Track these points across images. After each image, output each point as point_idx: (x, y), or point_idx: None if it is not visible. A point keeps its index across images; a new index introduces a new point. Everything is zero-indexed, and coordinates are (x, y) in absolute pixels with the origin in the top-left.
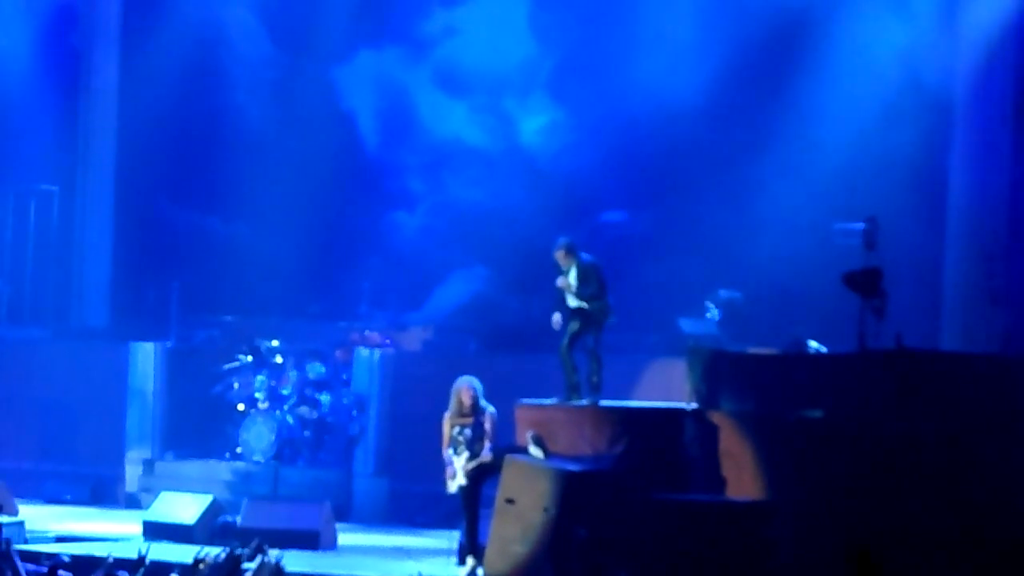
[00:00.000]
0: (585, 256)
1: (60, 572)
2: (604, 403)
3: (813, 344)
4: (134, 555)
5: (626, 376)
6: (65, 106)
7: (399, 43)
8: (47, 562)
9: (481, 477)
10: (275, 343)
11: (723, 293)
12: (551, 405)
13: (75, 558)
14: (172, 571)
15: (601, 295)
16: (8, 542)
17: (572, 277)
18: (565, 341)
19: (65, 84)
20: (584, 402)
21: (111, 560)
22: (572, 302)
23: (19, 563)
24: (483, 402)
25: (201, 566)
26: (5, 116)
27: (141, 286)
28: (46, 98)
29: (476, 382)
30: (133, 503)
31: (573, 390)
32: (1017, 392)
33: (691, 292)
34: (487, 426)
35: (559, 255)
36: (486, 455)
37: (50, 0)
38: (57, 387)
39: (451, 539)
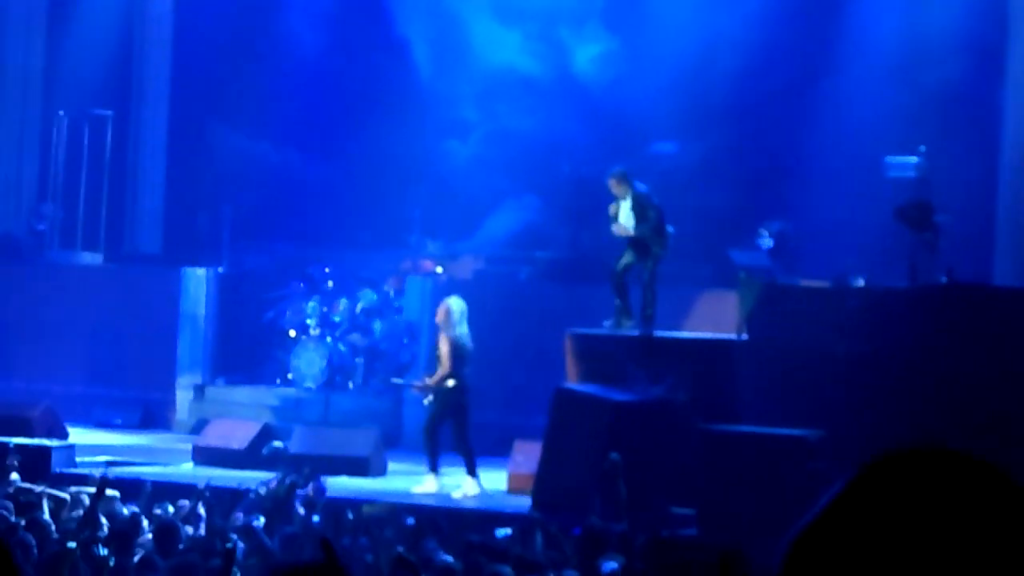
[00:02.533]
0: (639, 185)
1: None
2: (656, 333)
3: (858, 279)
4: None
5: (677, 307)
6: (119, 30)
7: None
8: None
9: (438, 401)
10: (327, 270)
11: (775, 224)
12: (601, 335)
13: (122, 479)
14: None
15: (658, 227)
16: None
17: (625, 207)
18: (618, 269)
19: (119, 7)
20: (635, 332)
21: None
22: (624, 231)
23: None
24: (454, 323)
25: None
26: (59, 40)
27: (193, 212)
28: (100, 22)
29: (452, 301)
30: (184, 428)
31: (622, 316)
32: None
33: (742, 223)
34: (442, 348)
35: (612, 183)
36: (431, 379)
37: None
38: (109, 312)
39: (501, 466)
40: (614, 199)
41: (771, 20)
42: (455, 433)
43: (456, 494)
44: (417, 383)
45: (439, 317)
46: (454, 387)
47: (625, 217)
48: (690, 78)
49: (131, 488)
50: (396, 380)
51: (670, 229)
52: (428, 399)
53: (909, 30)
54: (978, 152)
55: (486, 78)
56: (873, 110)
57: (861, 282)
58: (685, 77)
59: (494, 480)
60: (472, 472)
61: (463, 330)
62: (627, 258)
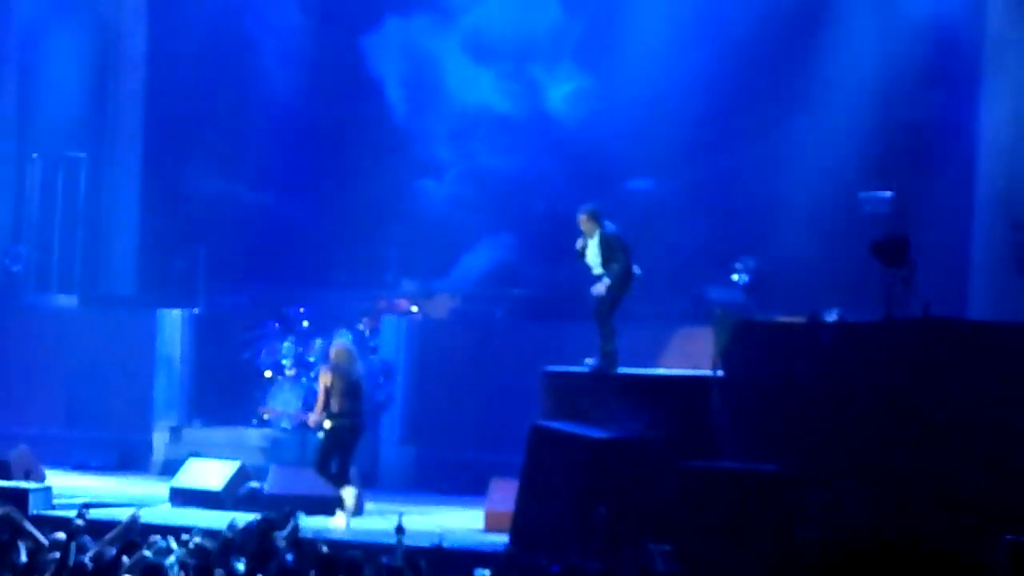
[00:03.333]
0: (609, 225)
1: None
2: (631, 371)
3: (833, 314)
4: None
5: (652, 343)
6: (92, 72)
7: (426, 10)
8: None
9: (333, 436)
10: (302, 310)
11: (750, 260)
12: (576, 372)
13: (97, 522)
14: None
15: (625, 269)
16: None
17: (593, 245)
18: (600, 307)
19: (94, 50)
20: (610, 370)
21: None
22: (596, 270)
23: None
24: (354, 361)
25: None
26: (33, 82)
27: (169, 253)
28: (73, 64)
29: (347, 340)
30: (160, 469)
31: (606, 357)
32: None
33: (717, 259)
34: (334, 385)
35: (582, 219)
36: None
37: None
38: (85, 354)
39: (478, 504)
40: (582, 235)
41: (744, 56)
42: (341, 465)
43: (331, 522)
44: (306, 416)
45: (341, 357)
46: (352, 424)
47: (592, 255)
48: (664, 115)
49: (109, 530)
50: (265, 412)
51: (636, 271)
52: (320, 433)
53: (883, 65)
54: (953, 187)
55: (460, 117)
56: (847, 145)
57: (836, 317)
58: (659, 114)
59: (471, 518)
60: (343, 506)
61: (359, 368)
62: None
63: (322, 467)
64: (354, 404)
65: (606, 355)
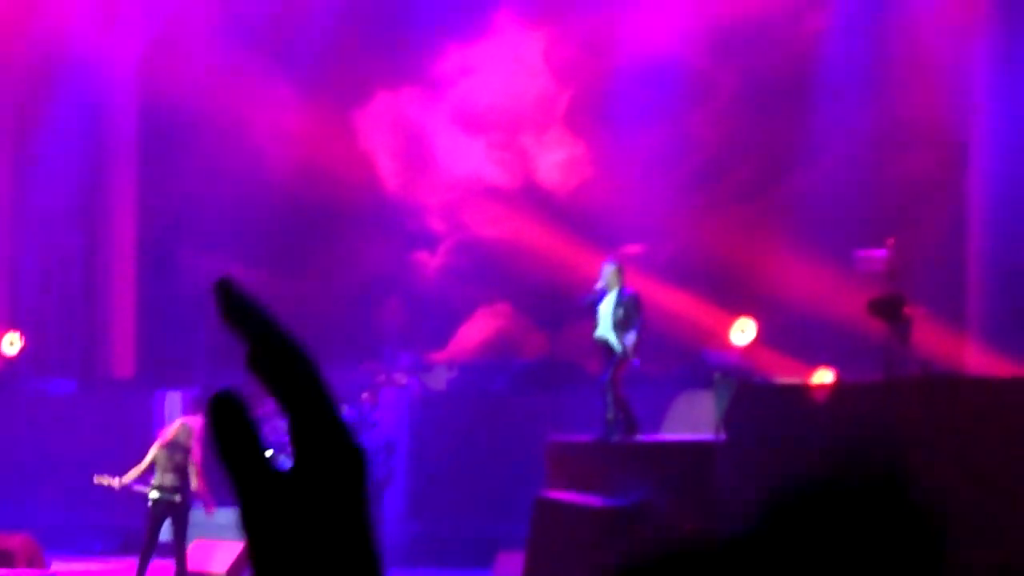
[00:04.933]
0: (628, 288)
1: None
2: (633, 438)
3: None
4: None
5: (654, 408)
6: (87, 157)
7: (415, 83)
8: None
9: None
10: None
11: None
12: (579, 441)
13: None
14: None
15: (638, 336)
16: None
17: (609, 300)
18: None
19: (86, 134)
20: (614, 438)
21: None
22: (603, 332)
23: None
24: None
25: None
26: (26, 168)
27: (166, 335)
28: (68, 149)
29: (193, 420)
30: (165, 552)
31: (609, 425)
32: None
33: (715, 322)
34: (181, 460)
35: (610, 270)
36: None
37: (70, 56)
38: (85, 438)
39: None
40: (603, 282)
41: (735, 117)
42: (178, 539)
43: None
44: (143, 487)
45: (187, 436)
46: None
47: (605, 309)
48: (655, 179)
49: None
50: (101, 479)
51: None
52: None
53: (874, 123)
54: (947, 242)
55: (452, 188)
56: (841, 203)
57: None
58: (650, 178)
59: None
60: None
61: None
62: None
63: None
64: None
65: (608, 423)
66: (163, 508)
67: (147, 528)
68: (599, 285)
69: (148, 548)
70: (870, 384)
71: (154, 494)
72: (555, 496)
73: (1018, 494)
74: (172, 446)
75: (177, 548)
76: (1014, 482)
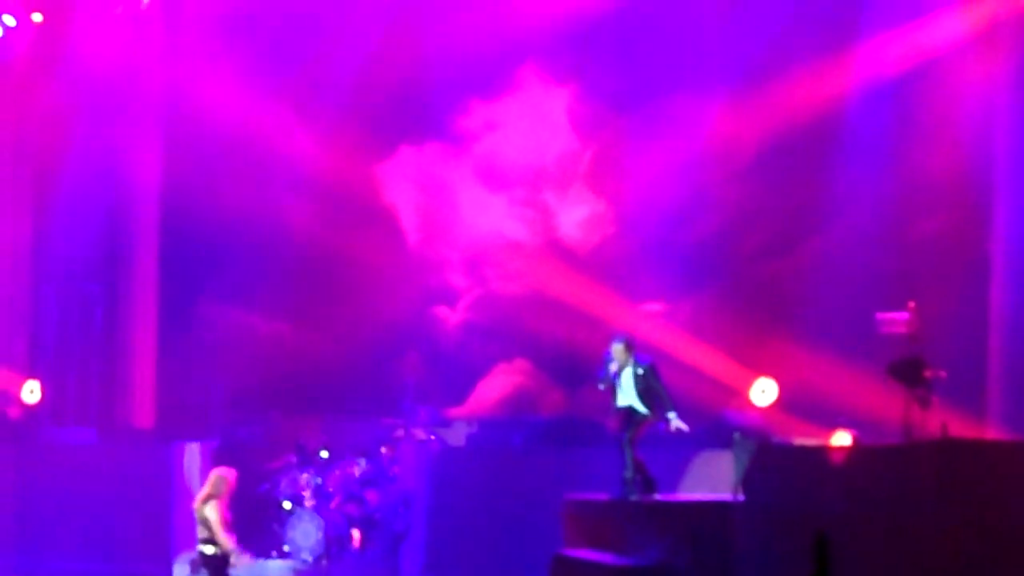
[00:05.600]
0: (643, 358)
1: None
2: (651, 497)
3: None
4: None
5: (673, 468)
6: (107, 204)
7: (438, 138)
8: None
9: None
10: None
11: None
12: (597, 500)
13: None
14: None
15: (661, 402)
16: None
17: (627, 375)
18: (626, 437)
19: (107, 182)
20: (632, 497)
21: None
22: (627, 401)
23: None
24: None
25: None
26: (46, 215)
27: (185, 385)
28: (88, 199)
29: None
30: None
31: (626, 485)
32: None
33: (734, 383)
34: (213, 516)
35: (617, 349)
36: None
37: (92, 104)
38: (103, 488)
39: None
40: (613, 361)
41: (755, 177)
42: None
43: None
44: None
45: (221, 486)
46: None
47: (626, 385)
48: (676, 237)
49: None
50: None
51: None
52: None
53: (896, 183)
54: (968, 306)
55: (473, 244)
56: (861, 265)
57: (850, 438)
58: (671, 236)
59: None
60: None
61: None
62: (629, 423)
63: None
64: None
65: (626, 482)
66: (208, 560)
67: None
68: (612, 367)
69: None
70: (889, 447)
71: (208, 549)
72: (573, 554)
73: None
74: (209, 498)
75: None
76: None
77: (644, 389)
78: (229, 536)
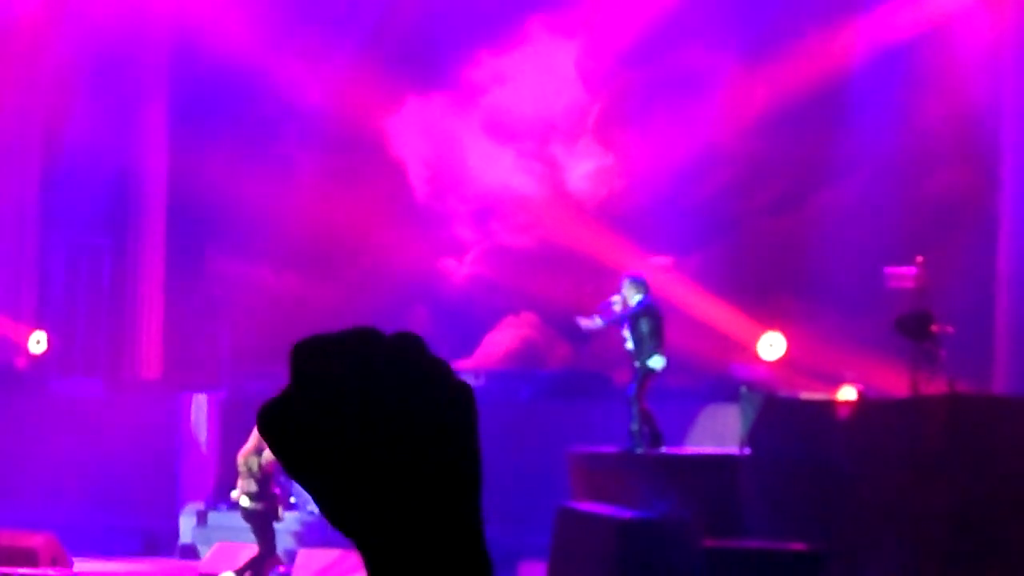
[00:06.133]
0: (650, 301)
1: None
2: (658, 451)
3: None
4: None
5: (679, 421)
6: (116, 158)
7: (447, 90)
8: None
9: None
10: None
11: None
12: (602, 452)
13: None
14: None
15: (659, 346)
16: None
17: (634, 315)
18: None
19: (115, 135)
20: (638, 450)
21: None
22: (629, 342)
23: None
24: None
25: None
26: (54, 169)
27: (193, 337)
28: (97, 151)
29: None
30: (187, 554)
31: (633, 437)
32: None
33: (742, 337)
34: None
35: (626, 285)
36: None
37: (100, 53)
38: (110, 439)
39: None
40: (622, 300)
41: (765, 133)
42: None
43: None
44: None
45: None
46: None
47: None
48: (684, 191)
49: None
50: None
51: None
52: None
53: (905, 140)
54: (976, 260)
55: (481, 197)
56: (871, 220)
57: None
58: (679, 190)
59: None
60: None
61: None
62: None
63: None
64: None
65: (633, 435)
66: (250, 514)
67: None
68: (618, 305)
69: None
70: (895, 401)
71: (244, 502)
72: (578, 506)
73: None
74: (256, 452)
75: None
76: None
77: (644, 329)
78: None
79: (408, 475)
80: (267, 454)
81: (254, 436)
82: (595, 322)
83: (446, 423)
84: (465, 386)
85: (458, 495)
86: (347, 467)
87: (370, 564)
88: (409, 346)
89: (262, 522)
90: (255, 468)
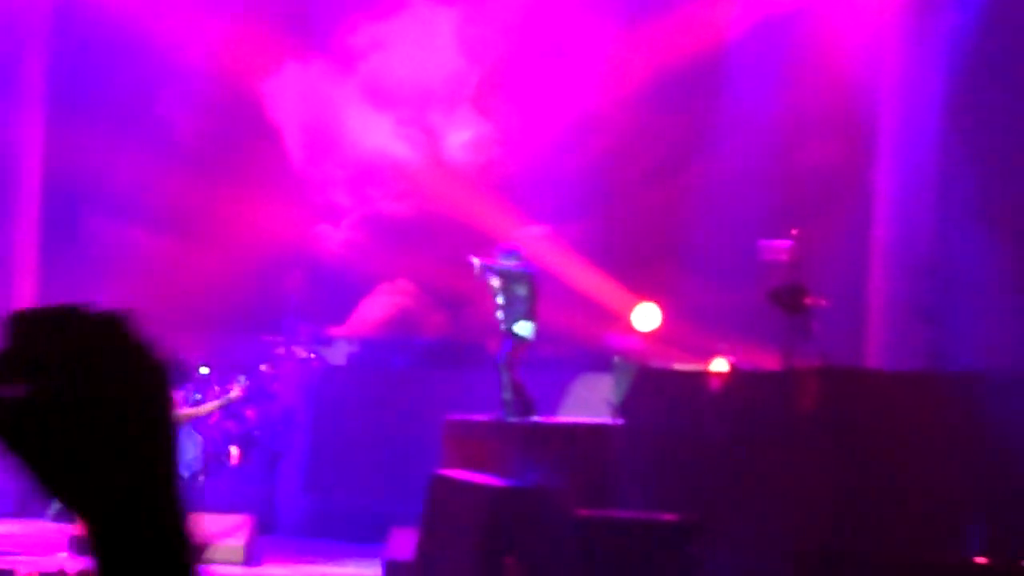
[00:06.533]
0: (519, 270)
1: None
2: (529, 419)
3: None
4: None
5: (552, 391)
6: None
7: (325, 55)
8: None
9: None
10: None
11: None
12: (476, 421)
13: None
14: None
15: (529, 314)
16: None
17: (502, 287)
18: (503, 357)
19: None
20: (510, 418)
21: None
22: (501, 314)
23: None
24: None
25: None
26: None
27: (68, 299)
28: None
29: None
30: (61, 516)
31: (506, 406)
32: (944, 409)
33: (617, 307)
34: None
35: (499, 260)
36: None
37: None
38: None
39: (377, 553)
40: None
41: (643, 101)
42: None
43: None
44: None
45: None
46: None
47: (501, 297)
48: (562, 160)
49: None
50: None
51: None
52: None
53: (782, 112)
54: (850, 234)
55: (358, 163)
56: (747, 192)
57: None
58: (557, 159)
59: (371, 569)
60: None
61: None
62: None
63: None
64: None
65: (505, 404)
66: None
67: None
68: (494, 282)
69: None
70: (767, 373)
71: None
72: (451, 474)
73: (906, 487)
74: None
75: None
76: (902, 475)
77: (514, 298)
78: None
79: (96, 453)
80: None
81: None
82: (477, 264)
83: (133, 404)
84: (159, 369)
85: (147, 474)
86: (39, 440)
87: (88, 534)
88: (111, 325)
89: None
90: None
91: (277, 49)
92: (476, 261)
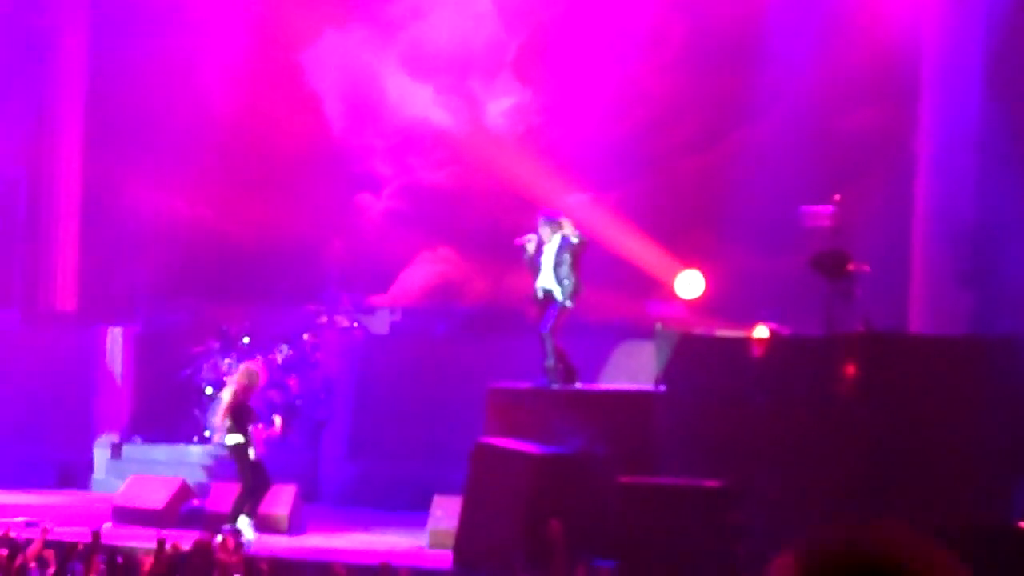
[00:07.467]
0: (569, 236)
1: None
2: (572, 387)
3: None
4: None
5: (595, 358)
6: (32, 90)
7: (365, 25)
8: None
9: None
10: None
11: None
12: (519, 388)
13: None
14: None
15: (575, 283)
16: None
17: (549, 250)
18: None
19: (32, 67)
20: (553, 386)
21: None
22: (545, 282)
23: None
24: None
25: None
26: None
27: (109, 270)
28: (12, 82)
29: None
30: (102, 487)
31: (549, 373)
32: (985, 373)
33: (659, 274)
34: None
35: (542, 223)
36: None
37: None
38: (25, 372)
39: (421, 521)
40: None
41: (683, 70)
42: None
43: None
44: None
45: (257, 381)
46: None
47: (546, 260)
48: (603, 128)
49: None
50: None
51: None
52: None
53: (823, 77)
54: (892, 201)
55: (398, 132)
56: (788, 159)
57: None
58: (597, 127)
59: (414, 535)
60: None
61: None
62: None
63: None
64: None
65: (548, 371)
66: (232, 449)
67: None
68: (530, 247)
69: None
70: (810, 339)
71: (231, 439)
72: (494, 442)
73: (948, 452)
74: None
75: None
76: (944, 439)
77: (562, 266)
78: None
79: None
80: (227, 391)
81: (242, 374)
82: (529, 242)
83: None
84: None
85: None
86: None
87: None
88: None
89: (240, 458)
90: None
91: (317, 18)
92: (529, 247)
